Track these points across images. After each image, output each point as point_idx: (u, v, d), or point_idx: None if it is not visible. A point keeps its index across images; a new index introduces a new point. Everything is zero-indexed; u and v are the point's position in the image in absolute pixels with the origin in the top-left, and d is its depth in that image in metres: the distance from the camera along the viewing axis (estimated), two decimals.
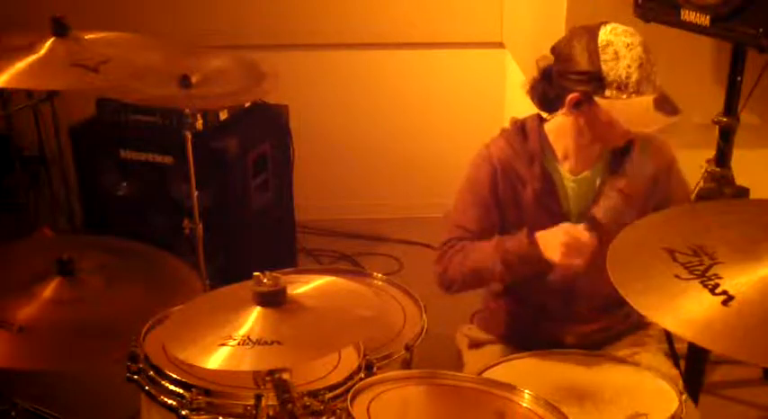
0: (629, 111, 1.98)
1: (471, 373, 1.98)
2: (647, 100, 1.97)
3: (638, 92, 1.96)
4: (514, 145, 2.15)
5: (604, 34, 1.99)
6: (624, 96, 1.97)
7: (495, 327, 2.31)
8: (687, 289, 1.36)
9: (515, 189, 2.14)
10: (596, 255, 1.94)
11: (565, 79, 2.04)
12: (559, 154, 2.16)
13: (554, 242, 2.00)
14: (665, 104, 1.98)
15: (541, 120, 2.19)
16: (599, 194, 2.13)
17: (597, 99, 1.99)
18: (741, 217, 1.58)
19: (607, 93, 1.98)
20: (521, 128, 2.18)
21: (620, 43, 1.97)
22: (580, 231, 2.01)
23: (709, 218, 1.59)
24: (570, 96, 2.03)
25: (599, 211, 2.06)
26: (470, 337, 2.32)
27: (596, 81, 1.98)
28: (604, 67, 1.97)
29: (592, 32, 2.01)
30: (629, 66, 1.96)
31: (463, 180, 2.21)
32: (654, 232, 1.56)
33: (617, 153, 2.15)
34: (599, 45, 1.98)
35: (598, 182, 2.15)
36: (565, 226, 2.04)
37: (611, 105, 1.98)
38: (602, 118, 2.01)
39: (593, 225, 2.03)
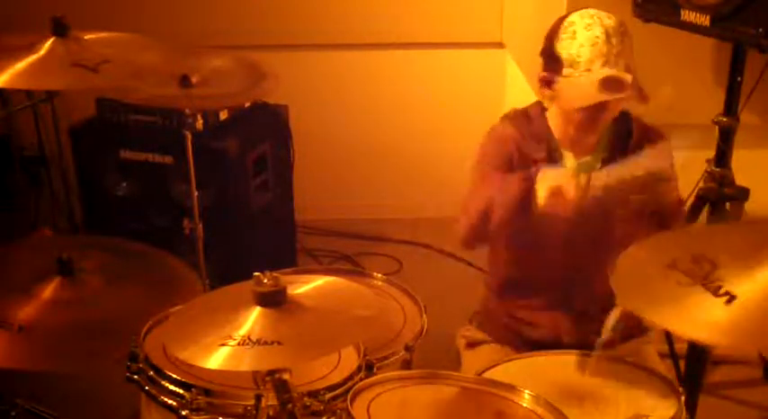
0: (572, 88, 1.99)
1: (468, 373, 1.98)
2: (595, 77, 1.96)
3: (589, 70, 1.97)
4: (521, 127, 2.16)
5: (573, 16, 2.02)
6: (576, 74, 1.98)
7: (494, 328, 2.30)
8: (691, 294, 1.37)
9: (528, 167, 2.12)
10: (596, 246, 1.96)
11: (543, 62, 2.07)
12: (559, 142, 2.16)
13: (545, 182, 1.97)
14: (610, 82, 1.96)
15: (543, 109, 2.19)
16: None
17: (557, 78, 2.02)
18: (744, 237, 1.59)
19: (564, 71, 2.00)
20: (524, 113, 2.19)
21: (580, 24, 1.99)
22: (566, 179, 1.95)
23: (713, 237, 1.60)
24: (539, 76, 2.06)
25: (604, 174, 2.03)
26: (468, 338, 2.32)
27: (555, 60, 2.01)
28: (559, 46, 2.00)
29: (566, 16, 2.03)
30: (581, 45, 1.97)
31: (479, 155, 2.17)
32: (657, 251, 1.57)
33: (615, 144, 2.15)
34: (562, 25, 2.01)
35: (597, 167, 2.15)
36: (561, 170, 2.01)
37: (564, 83, 2.00)
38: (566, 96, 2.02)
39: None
